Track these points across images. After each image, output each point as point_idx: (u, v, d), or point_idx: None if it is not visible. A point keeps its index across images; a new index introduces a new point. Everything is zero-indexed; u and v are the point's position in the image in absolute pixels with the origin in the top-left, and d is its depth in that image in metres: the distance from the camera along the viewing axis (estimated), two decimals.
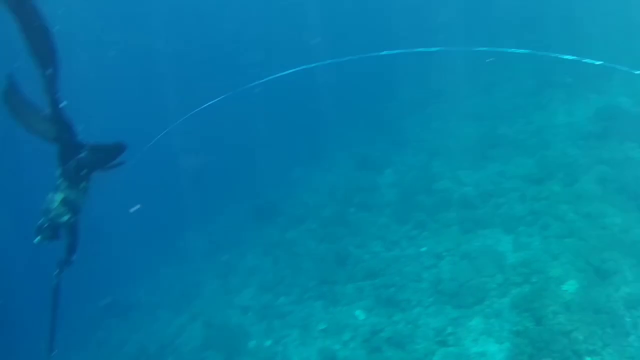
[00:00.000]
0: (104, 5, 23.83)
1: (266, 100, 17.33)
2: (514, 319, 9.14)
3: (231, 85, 7.59)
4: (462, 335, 9.49)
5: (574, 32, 15.04)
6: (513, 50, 6.52)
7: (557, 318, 8.54)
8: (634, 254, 9.30)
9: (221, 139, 21.18)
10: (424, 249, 11.92)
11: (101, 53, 24.40)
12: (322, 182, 16.71)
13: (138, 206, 7.84)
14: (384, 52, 6.81)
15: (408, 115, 18.32)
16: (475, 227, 11.68)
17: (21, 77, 5.60)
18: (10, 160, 21.66)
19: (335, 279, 12.42)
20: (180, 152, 20.61)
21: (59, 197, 5.86)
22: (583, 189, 11.29)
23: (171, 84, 23.75)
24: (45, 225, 5.81)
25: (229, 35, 27.16)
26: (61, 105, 5.62)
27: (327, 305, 11.97)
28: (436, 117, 17.39)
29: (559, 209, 10.98)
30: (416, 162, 15.46)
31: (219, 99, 7.28)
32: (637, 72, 5.86)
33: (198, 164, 20.77)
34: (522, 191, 12.02)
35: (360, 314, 11.62)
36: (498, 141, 14.24)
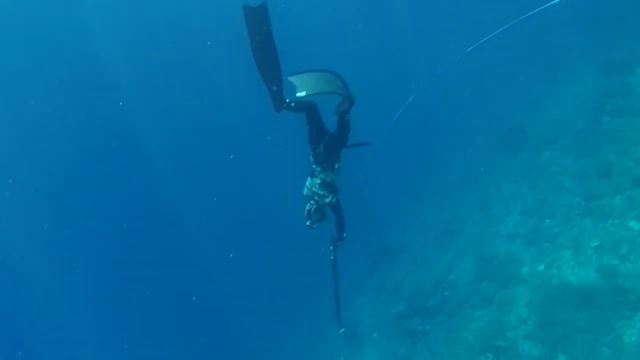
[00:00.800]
0: None
1: None
2: None
3: None
4: None
5: None
6: None
7: None
8: None
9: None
10: None
11: None
12: (567, 96, 15.70)
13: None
14: None
15: None
16: None
17: None
18: None
19: (600, 192, 12.14)
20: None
21: (317, 181, 6.49)
22: None
23: None
24: (313, 209, 6.45)
25: None
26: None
27: (596, 221, 11.87)
28: None
29: None
30: None
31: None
32: None
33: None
34: None
35: (635, 225, 11.33)
36: None
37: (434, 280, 14.68)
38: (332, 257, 6.70)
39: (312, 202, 6.49)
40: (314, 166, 6.60)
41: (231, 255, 20.80)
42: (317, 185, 6.48)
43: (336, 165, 6.58)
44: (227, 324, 20.97)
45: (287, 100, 6.39)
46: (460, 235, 15.28)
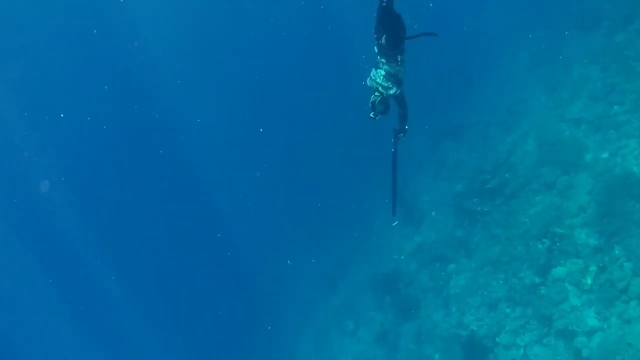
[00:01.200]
0: None
1: None
2: None
3: None
4: None
5: None
6: None
7: None
8: None
9: None
10: None
11: None
12: None
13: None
14: None
15: None
16: None
17: None
18: None
19: None
20: None
21: (381, 73, 6.61)
22: None
23: None
24: (378, 100, 6.59)
25: None
26: None
27: None
28: None
29: None
30: None
31: None
32: None
33: None
34: None
35: None
36: None
37: (495, 162, 14.97)
38: (392, 150, 6.86)
39: (376, 94, 6.62)
40: (378, 57, 6.68)
41: None
42: (381, 77, 6.60)
43: (399, 58, 6.64)
44: None
45: None
46: (525, 117, 15.21)
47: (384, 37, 6.42)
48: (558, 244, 11.86)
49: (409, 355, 14.15)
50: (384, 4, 6.40)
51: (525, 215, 13.08)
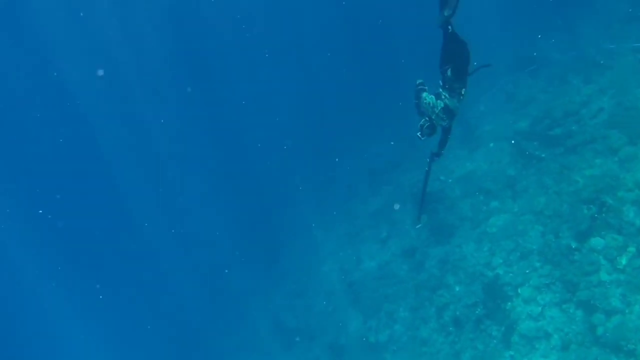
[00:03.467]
0: None
1: None
2: None
3: None
4: None
5: None
6: None
7: None
8: None
9: None
10: None
11: None
12: None
13: None
14: None
15: None
16: None
17: None
18: None
19: None
20: None
21: (440, 105, 7.34)
22: None
23: None
24: (426, 125, 7.47)
25: None
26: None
27: None
28: None
29: None
30: None
31: None
32: None
33: None
34: None
35: None
36: None
37: (565, 110, 14.82)
38: (426, 169, 7.93)
39: (427, 119, 7.40)
40: (440, 90, 7.32)
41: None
42: (439, 109, 7.28)
43: (463, 91, 7.27)
44: None
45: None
46: (608, 72, 14.63)
47: (450, 68, 6.81)
48: (604, 214, 12.17)
49: (430, 278, 15.33)
50: (450, 31, 6.60)
51: (580, 174, 13.25)
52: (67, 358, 28.69)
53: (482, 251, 14.37)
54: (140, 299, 26.32)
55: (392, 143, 20.65)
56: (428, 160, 8.00)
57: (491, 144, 16.42)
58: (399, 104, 18.50)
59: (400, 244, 17.31)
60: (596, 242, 12.03)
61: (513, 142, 15.42)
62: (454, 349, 13.36)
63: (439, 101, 7.35)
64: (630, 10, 16.05)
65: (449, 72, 7.12)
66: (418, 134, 7.52)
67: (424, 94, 7.48)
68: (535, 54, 17.56)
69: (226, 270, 23.50)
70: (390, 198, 19.08)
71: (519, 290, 12.75)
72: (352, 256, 19.29)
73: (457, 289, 14.34)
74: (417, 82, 7.70)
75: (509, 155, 15.52)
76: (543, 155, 14.51)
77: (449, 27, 6.93)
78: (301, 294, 20.56)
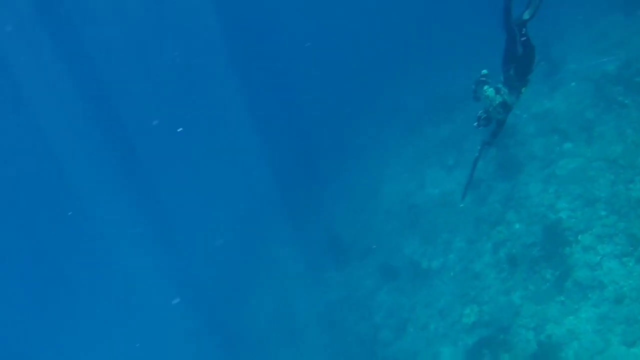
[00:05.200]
0: None
1: None
2: None
3: None
4: None
5: None
6: None
7: None
8: None
9: None
10: None
11: None
12: None
13: None
14: None
15: None
16: None
17: None
18: None
19: None
20: None
21: (499, 99, 7.84)
22: None
23: None
24: (483, 116, 8.03)
25: None
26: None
27: None
28: None
29: None
30: None
31: None
32: None
33: None
34: None
35: None
36: None
37: None
38: (476, 155, 8.47)
39: (483, 111, 7.96)
40: (501, 85, 7.77)
41: None
42: (497, 103, 7.78)
43: (523, 90, 7.75)
44: None
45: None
46: None
47: (513, 68, 7.38)
48: None
49: (492, 212, 15.69)
50: (524, 39, 6.76)
51: None
52: None
53: (548, 192, 14.51)
54: None
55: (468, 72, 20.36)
56: (479, 147, 8.47)
57: (573, 84, 15.97)
58: (477, 32, 18.23)
59: (466, 174, 17.55)
60: None
61: (596, 84, 14.98)
62: (504, 286, 13.94)
63: (497, 96, 7.80)
64: None
65: (511, 71, 7.51)
66: (475, 123, 8.06)
67: (486, 87, 7.91)
68: None
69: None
70: (462, 126, 19.13)
71: (580, 237, 12.95)
72: (416, 180, 19.80)
73: (517, 226, 14.68)
74: (482, 73, 8.06)
75: (590, 98, 15.13)
76: (626, 102, 14.09)
77: (524, 29, 7.06)
78: (360, 211, 21.47)
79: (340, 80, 27.93)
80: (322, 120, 27.48)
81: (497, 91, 7.85)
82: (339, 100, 26.91)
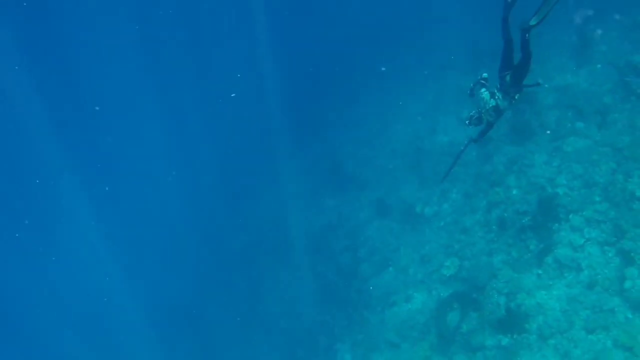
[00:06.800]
0: None
1: None
2: None
3: None
4: None
5: None
6: None
7: None
8: None
9: None
10: None
11: None
12: None
13: None
14: None
15: None
16: None
17: None
18: None
19: None
20: None
21: (492, 103, 8.33)
22: None
23: None
24: (475, 117, 8.52)
25: None
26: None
27: None
28: None
29: None
30: None
31: None
32: None
33: None
34: None
35: None
36: None
37: None
38: (461, 148, 9.09)
39: (476, 112, 8.47)
40: (496, 90, 8.25)
41: None
42: (489, 106, 8.31)
43: (516, 96, 8.20)
44: None
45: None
46: None
47: (510, 75, 7.78)
48: None
49: (493, 172, 16.12)
50: (527, 37, 6.99)
51: None
52: None
53: (551, 165, 14.93)
54: None
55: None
56: (466, 142, 9.02)
57: (599, 65, 16.00)
58: None
59: (478, 129, 17.84)
60: None
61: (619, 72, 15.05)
62: (489, 247, 14.71)
63: (492, 100, 8.27)
64: None
65: (507, 78, 7.86)
66: (466, 121, 8.58)
67: (483, 89, 8.39)
68: None
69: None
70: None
71: (570, 216, 13.53)
72: (428, 124, 20.12)
73: (514, 192, 15.20)
74: (483, 76, 8.52)
75: (612, 83, 15.22)
76: None
77: (527, 35, 7.28)
78: (366, 144, 21.95)
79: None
80: (344, 39, 27.13)
81: (492, 95, 8.32)
82: (370, 21, 26.51)
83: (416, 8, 25.46)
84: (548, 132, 15.69)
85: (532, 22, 7.34)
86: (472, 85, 8.66)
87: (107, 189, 28.56)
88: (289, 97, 26.06)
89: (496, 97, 8.36)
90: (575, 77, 16.43)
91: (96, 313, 25.59)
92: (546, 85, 16.37)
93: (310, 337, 18.20)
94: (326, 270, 18.84)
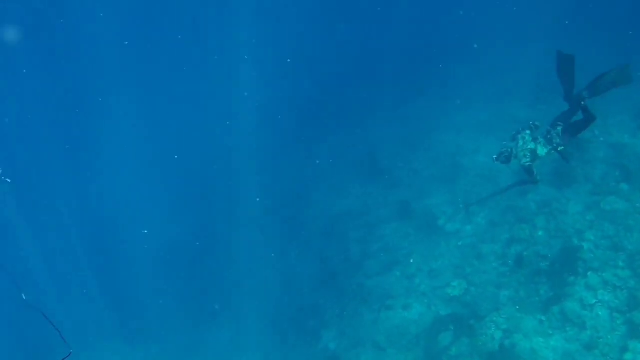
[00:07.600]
0: None
1: None
2: None
3: None
4: None
5: None
6: None
7: None
8: None
9: None
10: None
11: None
12: None
13: None
14: None
15: None
16: None
17: None
18: None
19: None
20: None
21: (531, 146, 8.50)
22: None
23: None
24: (505, 154, 8.63)
25: None
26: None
27: None
28: None
29: None
30: None
31: None
32: None
33: None
34: None
35: None
36: None
37: None
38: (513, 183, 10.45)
39: (509, 149, 8.55)
40: (540, 136, 8.39)
41: None
42: (527, 149, 8.40)
43: (560, 148, 8.32)
44: None
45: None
46: None
47: (562, 127, 8.05)
48: None
49: (525, 208, 15.81)
50: (583, 103, 7.12)
51: None
52: None
53: (584, 218, 14.78)
54: None
55: None
56: (523, 180, 9.56)
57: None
58: None
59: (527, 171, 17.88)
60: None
61: None
62: (499, 280, 14.70)
63: (532, 142, 8.42)
64: None
65: (559, 129, 8.04)
66: (494, 156, 8.63)
67: (528, 131, 8.53)
68: None
69: None
70: (539, 116, 18.97)
71: (589, 274, 13.41)
72: (473, 143, 20.01)
73: (540, 233, 15.12)
74: (535, 123, 8.70)
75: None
76: None
77: (583, 102, 7.38)
78: (405, 144, 21.94)
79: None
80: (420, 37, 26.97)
81: (535, 139, 8.45)
82: (449, 31, 26.27)
83: (492, 30, 25.03)
84: (590, 185, 15.55)
85: (584, 95, 7.49)
86: (519, 128, 8.71)
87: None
88: (339, 78, 26.04)
89: (538, 142, 8.47)
90: (633, 138, 16.16)
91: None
92: (601, 139, 16.19)
93: (300, 315, 18.45)
94: (333, 256, 19.01)
